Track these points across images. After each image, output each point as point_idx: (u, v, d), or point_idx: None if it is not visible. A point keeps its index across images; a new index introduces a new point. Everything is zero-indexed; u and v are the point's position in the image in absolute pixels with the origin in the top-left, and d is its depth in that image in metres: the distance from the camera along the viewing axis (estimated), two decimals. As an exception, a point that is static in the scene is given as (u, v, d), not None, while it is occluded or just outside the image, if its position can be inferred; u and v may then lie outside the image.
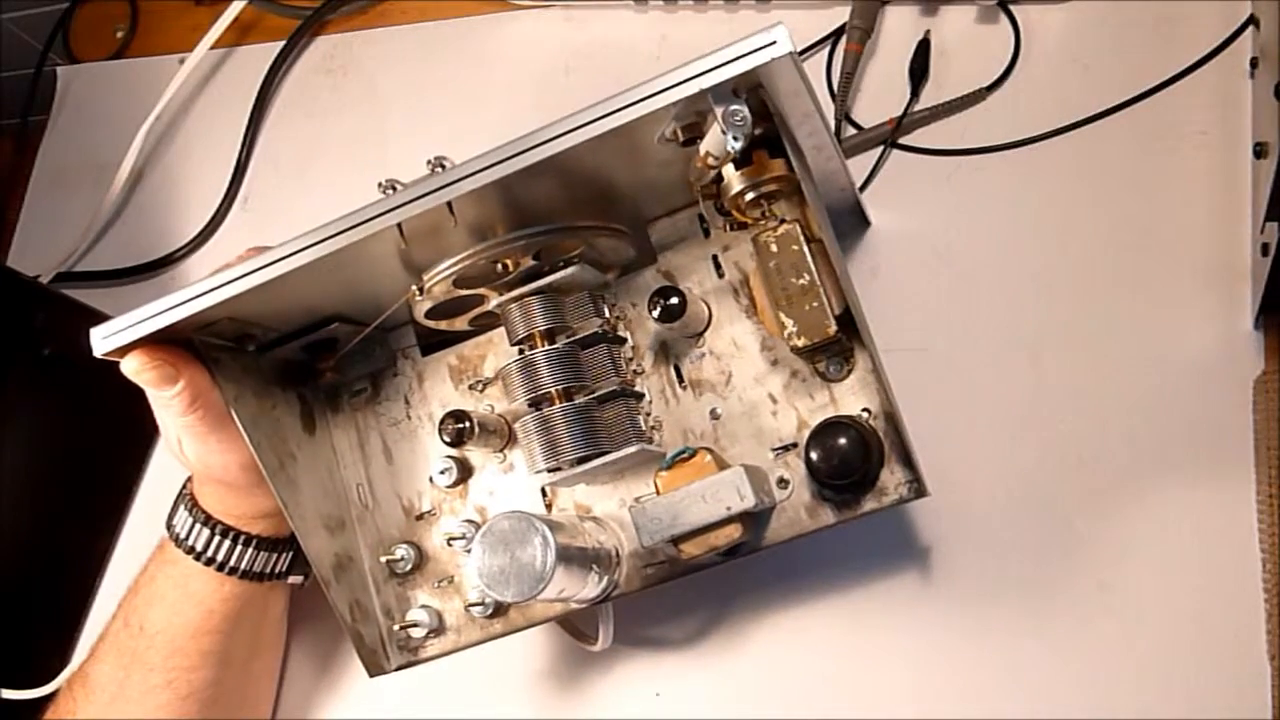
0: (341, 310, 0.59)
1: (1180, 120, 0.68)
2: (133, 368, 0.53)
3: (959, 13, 0.76)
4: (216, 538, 0.61)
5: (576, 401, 0.55)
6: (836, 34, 0.78)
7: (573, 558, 0.51)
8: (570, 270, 0.56)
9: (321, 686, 0.72)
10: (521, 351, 0.56)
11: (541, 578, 0.48)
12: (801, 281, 0.52)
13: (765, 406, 0.56)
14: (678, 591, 0.59)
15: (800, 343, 0.53)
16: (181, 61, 0.95)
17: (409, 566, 0.60)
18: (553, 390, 0.55)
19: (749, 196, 0.52)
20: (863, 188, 0.73)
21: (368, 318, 0.59)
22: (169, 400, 0.55)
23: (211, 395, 0.56)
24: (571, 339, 0.56)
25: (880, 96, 0.75)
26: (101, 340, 0.53)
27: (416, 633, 0.59)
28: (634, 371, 0.58)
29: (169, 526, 0.63)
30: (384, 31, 0.94)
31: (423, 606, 0.60)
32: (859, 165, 0.74)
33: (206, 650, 0.63)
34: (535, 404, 0.55)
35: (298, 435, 0.61)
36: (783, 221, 0.54)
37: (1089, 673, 0.59)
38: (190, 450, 0.58)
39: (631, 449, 0.54)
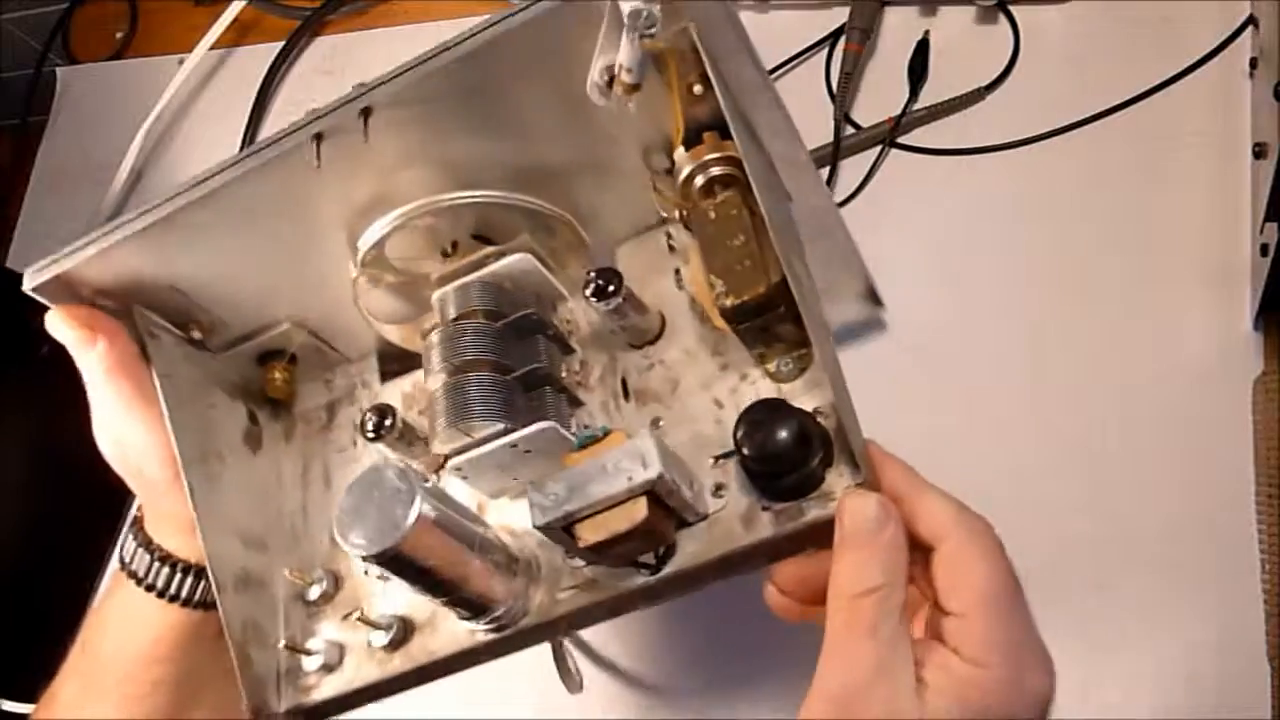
0: (295, 315, 0.57)
1: (1180, 120, 0.68)
2: (52, 323, 0.52)
3: (958, 13, 0.76)
4: (156, 564, 0.59)
5: (498, 376, 0.50)
6: (836, 34, 0.78)
7: (451, 530, 0.46)
8: (514, 258, 0.52)
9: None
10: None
11: (397, 526, 0.43)
12: (736, 242, 0.48)
13: (710, 414, 0.51)
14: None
15: (729, 302, 0.47)
16: (181, 62, 0.95)
17: (318, 594, 0.55)
18: (476, 359, 0.50)
19: (698, 181, 0.50)
20: (861, 187, 0.73)
21: (326, 336, 0.58)
22: (89, 363, 0.53)
23: (138, 370, 0.53)
24: (508, 320, 0.52)
25: (879, 97, 0.75)
26: (32, 274, 0.51)
27: (309, 663, 0.52)
28: (577, 382, 0.54)
29: (119, 550, 0.62)
30: (384, 32, 0.94)
31: (327, 640, 0.54)
32: (859, 165, 0.74)
33: (157, 679, 0.60)
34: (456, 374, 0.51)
35: (233, 443, 0.57)
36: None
37: (1088, 673, 0.59)
38: (107, 425, 0.55)
39: (542, 425, 0.49)
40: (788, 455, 0.44)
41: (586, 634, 0.68)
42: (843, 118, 0.75)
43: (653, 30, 0.44)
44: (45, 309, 0.52)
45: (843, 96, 0.75)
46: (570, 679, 0.57)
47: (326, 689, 0.53)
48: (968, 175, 0.71)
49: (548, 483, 0.45)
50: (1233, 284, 0.63)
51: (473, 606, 0.48)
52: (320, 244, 0.53)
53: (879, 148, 0.74)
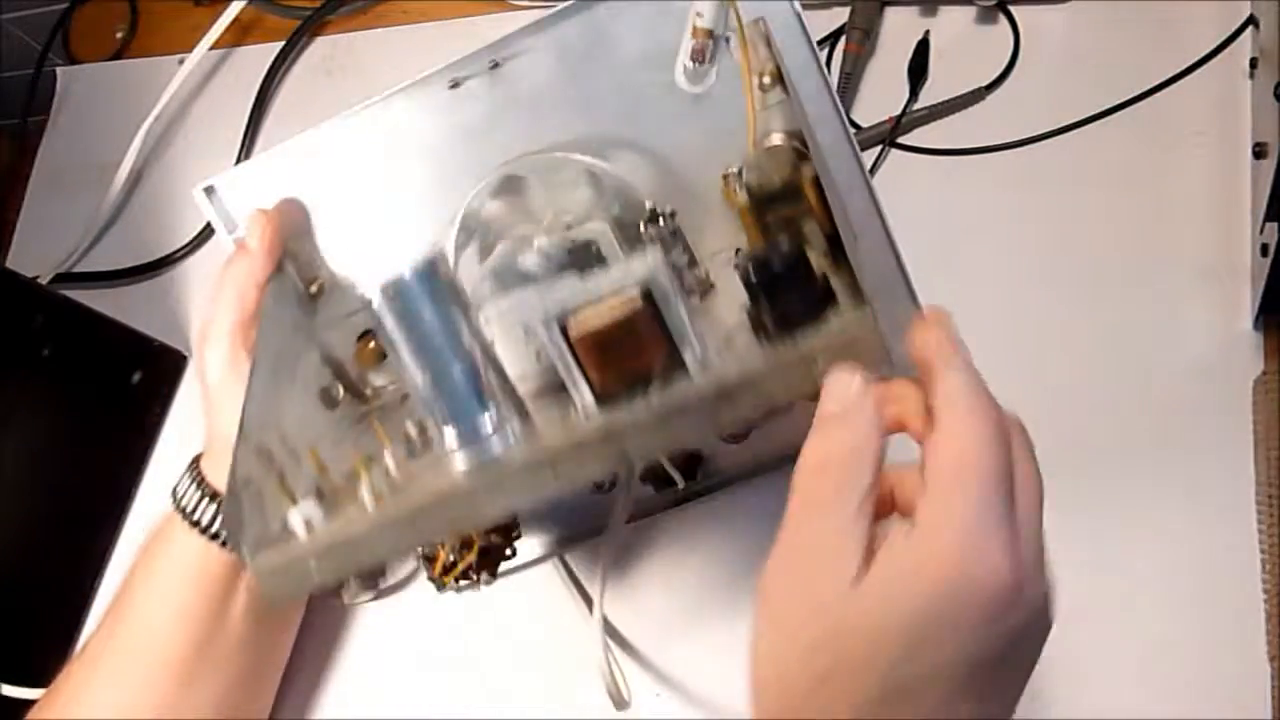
0: None
1: (1180, 120, 0.68)
2: (254, 216, 0.57)
3: (958, 13, 0.76)
4: (205, 500, 0.58)
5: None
6: (836, 34, 0.78)
7: (454, 295, 0.47)
8: (592, 225, 0.53)
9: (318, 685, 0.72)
10: None
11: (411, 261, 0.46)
12: (780, 174, 0.51)
13: (740, 321, 0.51)
14: (681, 581, 0.58)
15: (752, 179, 0.50)
16: (181, 62, 0.95)
17: (330, 489, 0.51)
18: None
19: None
20: (862, 188, 0.73)
21: None
22: (245, 263, 0.55)
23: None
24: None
25: (880, 97, 0.75)
26: (202, 182, 0.59)
27: (293, 516, 0.47)
28: None
29: (173, 489, 0.62)
30: (384, 31, 0.94)
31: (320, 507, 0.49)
32: (859, 165, 0.74)
33: (188, 633, 0.60)
34: None
35: (309, 385, 0.57)
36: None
37: (1088, 672, 0.59)
38: (215, 332, 0.56)
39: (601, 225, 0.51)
40: (781, 263, 0.45)
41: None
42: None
43: None
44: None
45: (843, 96, 0.75)
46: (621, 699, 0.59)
47: (300, 543, 0.47)
48: (968, 175, 0.71)
49: (552, 285, 0.46)
50: (1233, 284, 0.63)
51: (462, 399, 0.47)
52: (435, 212, 0.58)
53: (879, 148, 0.74)
